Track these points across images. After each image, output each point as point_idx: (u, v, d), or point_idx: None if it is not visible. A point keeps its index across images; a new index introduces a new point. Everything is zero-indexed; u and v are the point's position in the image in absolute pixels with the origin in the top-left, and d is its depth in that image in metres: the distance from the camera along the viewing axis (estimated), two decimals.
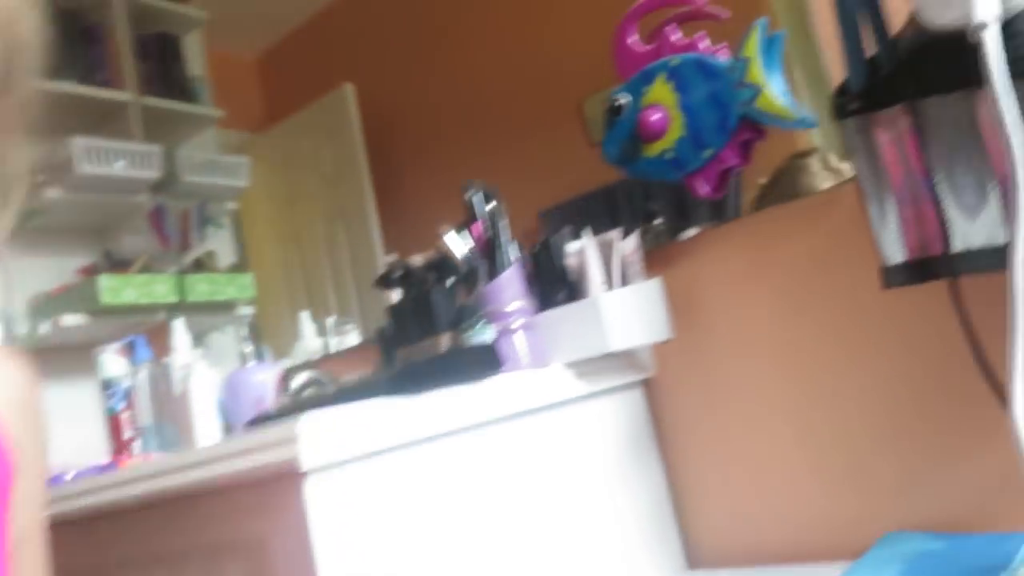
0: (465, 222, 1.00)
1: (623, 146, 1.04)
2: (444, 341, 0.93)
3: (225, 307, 1.82)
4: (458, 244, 0.98)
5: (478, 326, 0.92)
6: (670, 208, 1.08)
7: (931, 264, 0.78)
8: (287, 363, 1.63)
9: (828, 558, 0.97)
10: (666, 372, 1.11)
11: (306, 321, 1.71)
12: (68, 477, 1.26)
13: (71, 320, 1.68)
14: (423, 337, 0.94)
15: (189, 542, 0.78)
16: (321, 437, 0.67)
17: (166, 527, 0.79)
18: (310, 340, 1.71)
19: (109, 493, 0.83)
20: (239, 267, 1.82)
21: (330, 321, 1.65)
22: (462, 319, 0.93)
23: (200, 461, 0.74)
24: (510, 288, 0.94)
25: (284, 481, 0.67)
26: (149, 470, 0.79)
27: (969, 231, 0.72)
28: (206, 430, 1.42)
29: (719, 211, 1.04)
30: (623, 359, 1.04)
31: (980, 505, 0.86)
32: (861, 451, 0.96)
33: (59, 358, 1.79)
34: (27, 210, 1.73)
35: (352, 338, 1.60)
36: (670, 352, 1.09)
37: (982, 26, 0.62)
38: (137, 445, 1.45)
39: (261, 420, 0.86)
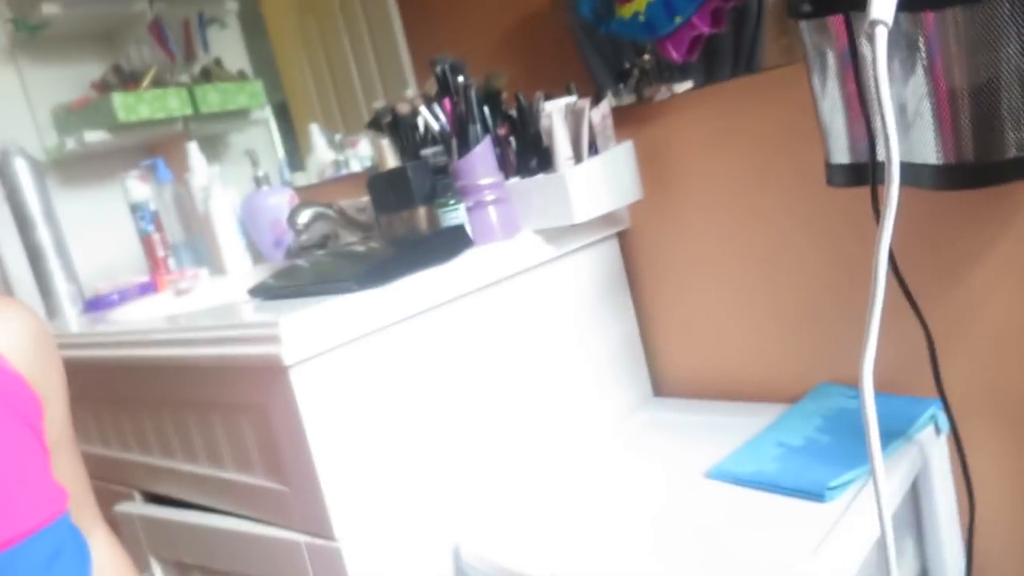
0: (436, 95, 1.02)
1: (596, 5, 1.02)
2: (420, 215, 1.00)
3: (239, 115, 1.87)
4: (430, 118, 1.01)
5: (451, 203, 0.98)
6: (647, 67, 1.08)
7: (863, 170, 0.81)
8: (297, 184, 1.72)
9: (769, 399, 1.09)
10: (639, 224, 1.17)
11: (317, 134, 1.75)
12: (115, 298, 1.42)
13: (94, 136, 1.76)
14: (401, 207, 1.02)
15: (212, 398, 0.92)
16: (299, 335, 0.78)
17: (193, 382, 0.93)
18: (322, 152, 1.77)
19: (139, 350, 0.97)
20: (256, 68, 1.81)
21: (338, 137, 1.69)
22: (436, 194, 0.99)
23: (196, 340, 0.87)
24: (482, 163, 0.99)
25: (272, 368, 0.79)
26: (161, 337, 0.92)
27: (899, 145, 0.74)
28: (230, 248, 1.54)
29: (691, 75, 1.04)
30: (597, 218, 1.11)
31: (900, 371, 0.96)
32: (807, 310, 1.04)
33: (89, 169, 1.90)
34: (30, 24, 1.75)
35: (364, 147, 1.64)
36: (644, 206, 1.15)
37: None
38: (172, 262, 1.59)
39: (259, 291, 0.97)
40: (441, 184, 1.00)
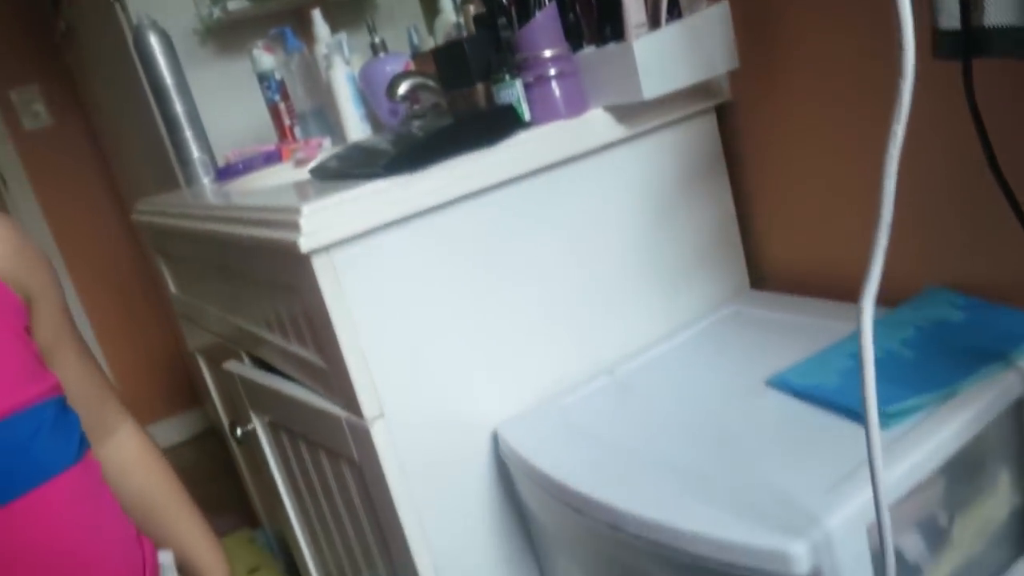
0: None
1: None
2: (478, 92, 0.95)
3: None
4: None
5: (505, 78, 0.91)
6: None
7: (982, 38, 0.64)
8: (413, 52, 1.68)
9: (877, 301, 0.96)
10: (743, 97, 1.04)
11: None
12: (240, 167, 1.50)
13: (235, 4, 1.81)
14: (461, 84, 0.96)
15: (263, 275, 0.96)
16: (318, 222, 0.78)
17: (252, 259, 0.97)
18: (448, 15, 1.71)
19: (198, 223, 1.02)
20: None
21: None
22: (493, 69, 0.93)
23: (234, 219, 0.90)
24: (543, 33, 0.90)
25: (296, 253, 0.80)
26: (212, 214, 0.96)
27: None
28: (350, 117, 1.56)
29: None
30: (689, 89, 0.99)
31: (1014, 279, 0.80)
32: (922, 207, 0.89)
33: (234, 36, 1.97)
34: None
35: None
36: (748, 77, 1.00)
37: None
38: (298, 131, 1.65)
39: (318, 172, 0.98)
40: (500, 59, 0.93)
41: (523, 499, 0.90)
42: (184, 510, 0.85)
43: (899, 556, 0.72)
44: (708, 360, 0.94)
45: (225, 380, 1.29)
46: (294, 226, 0.78)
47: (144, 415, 3.10)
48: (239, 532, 1.72)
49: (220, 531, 1.69)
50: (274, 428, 1.18)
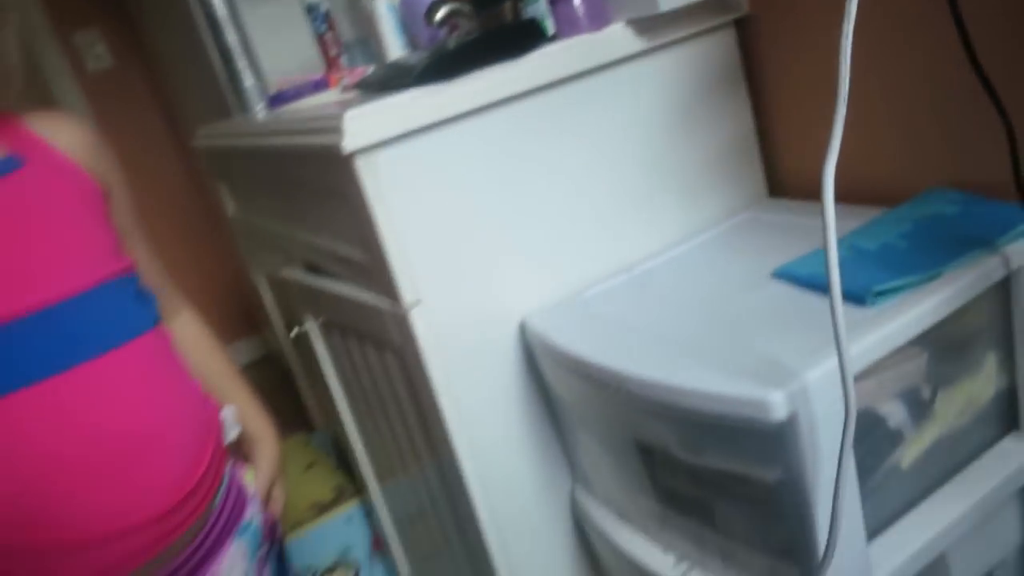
0: None
1: None
2: (505, 9, 1.01)
3: None
4: None
5: None
6: None
7: None
8: None
9: (894, 202, 1.01)
10: (761, 10, 1.08)
11: None
12: (291, 93, 1.60)
13: None
14: (490, 4, 1.03)
15: (313, 181, 1.05)
16: (359, 128, 0.87)
17: (298, 168, 1.07)
18: None
19: (256, 140, 1.12)
20: None
21: None
22: None
23: (286, 131, 0.99)
24: None
25: (340, 157, 0.89)
26: (262, 129, 1.06)
27: None
28: (390, 44, 1.64)
29: None
30: (707, 3, 1.05)
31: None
32: (941, 106, 0.94)
33: None
34: None
35: None
36: None
37: None
38: (344, 60, 1.73)
39: (362, 84, 1.06)
40: None
41: (547, 380, 1.00)
42: (237, 384, 0.96)
43: (881, 421, 0.80)
44: (721, 258, 1.02)
45: (281, 287, 1.40)
46: (337, 131, 0.87)
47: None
48: (296, 436, 1.86)
49: (280, 434, 1.82)
50: (326, 328, 1.30)
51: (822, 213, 0.61)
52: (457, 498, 1.08)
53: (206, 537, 0.79)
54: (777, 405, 0.67)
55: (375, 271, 0.98)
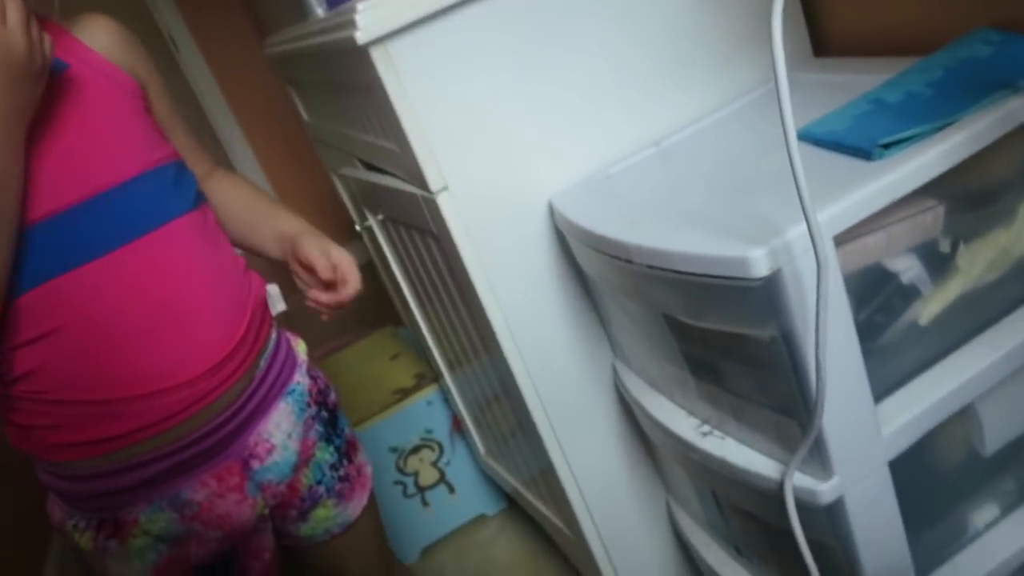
0: None
1: None
2: None
3: None
4: None
5: None
6: None
7: None
8: None
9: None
10: None
11: None
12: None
13: None
14: None
15: (347, 77, 1.09)
16: (372, 17, 0.90)
17: (333, 67, 1.11)
18: None
19: (300, 43, 1.17)
20: None
21: None
22: None
23: (317, 31, 1.03)
24: None
25: (357, 50, 0.92)
26: (305, 31, 1.10)
27: None
28: None
29: None
30: None
31: None
32: None
33: None
34: None
35: None
36: None
37: None
38: None
39: None
40: None
41: (575, 256, 1.03)
42: (279, 209, 1.02)
43: (892, 277, 0.79)
44: (751, 125, 0.99)
45: (348, 186, 1.48)
46: (351, 24, 0.91)
47: None
48: (384, 329, 1.98)
49: (372, 326, 1.95)
50: (385, 224, 1.36)
51: (771, 49, 0.59)
52: (505, 379, 1.14)
53: (253, 393, 0.90)
54: (758, 262, 0.67)
55: (406, 160, 1.02)
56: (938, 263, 0.80)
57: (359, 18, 0.90)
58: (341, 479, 1.02)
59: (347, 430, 1.07)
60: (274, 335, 0.96)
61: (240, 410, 0.88)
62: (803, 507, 0.79)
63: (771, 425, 0.80)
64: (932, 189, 0.74)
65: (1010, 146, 0.78)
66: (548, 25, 0.98)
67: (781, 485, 0.79)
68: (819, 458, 0.76)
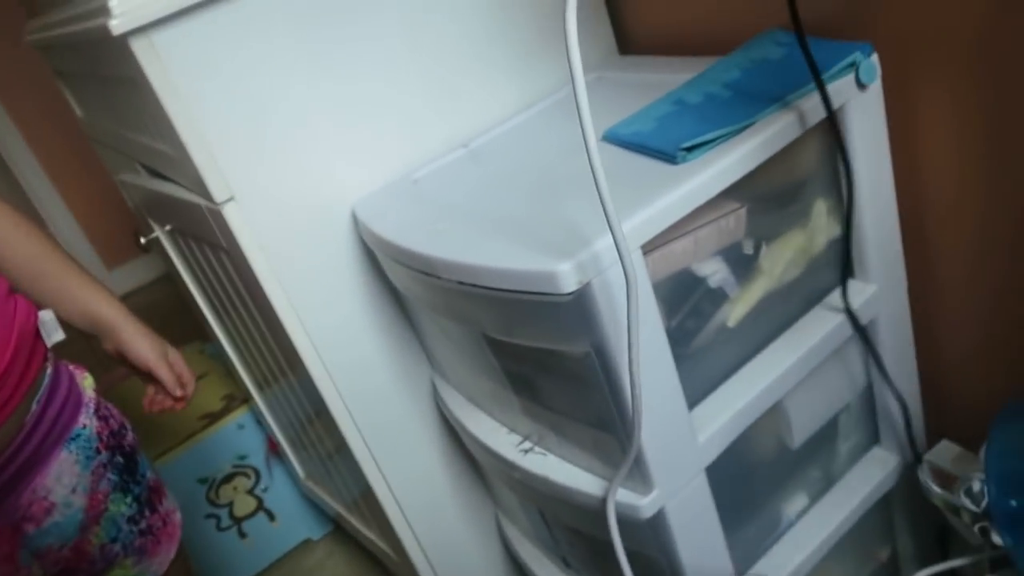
0: None
1: None
2: None
3: None
4: None
5: None
6: None
7: None
8: None
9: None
10: None
11: None
12: None
13: None
14: None
15: (110, 70, 0.95)
16: (132, 2, 0.78)
17: (92, 59, 0.97)
18: None
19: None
20: None
21: None
22: None
23: (70, 18, 0.89)
24: None
25: (114, 40, 0.80)
26: (60, 18, 0.95)
27: None
28: None
29: None
30: None
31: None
32: None
33: None
34: None
35: None
36: None
37: None
38: None
39: None
40: None
41: (384, 268, 0.96)
42: (72, 271, 0.88)
43: (701, 282, 0.78)
44: (559, 125, 0.96)
45: (128, 192, 1.32)
46: (105, 11, 0.78)
47: (110, 257, 3.18)
48: (192, 344, 1.81)
49: (175, 343, 1.77)
50: (174, 235, 1.22)
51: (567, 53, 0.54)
52: (315, 400, 1.05)
53: (24, 443, 0.76)
54: (566, 276, 0.63)
55: (185, 166, 0.90)
56: (743, 265, 0.80)
57: (114, 5, 0.78)
58: (142, 533, 0.89)
59: (149, 474, 0.93)
60: (50, 370, 0.81)
61: (8, 464, 0.74)
62: (625, 522, 0.76)
63: (591, 441, 0.77)
64: (734, 192, 0.74)
65: (803, 147, 0.79)
66: (342, 14, 0.90)
67: (603, 502, 0.76)
68: (639, 473, 0.74)
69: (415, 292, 0.87)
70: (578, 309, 0.65)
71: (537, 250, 0.67)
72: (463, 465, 1.17)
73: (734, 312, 0.80)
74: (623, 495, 0.76)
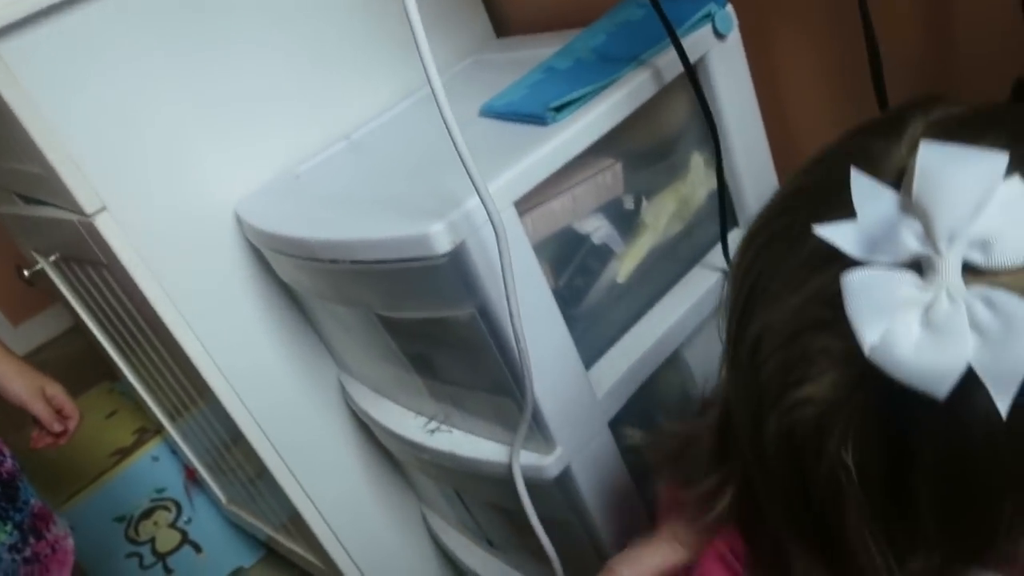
0: None
1: None
2: None
3: None
4: None
5: None
6: None
7: None
8: None
9: None
10: None
11: None
12: None
13: None
14: None
15: None
16: None
17: None
18: None
19: None
20: None
21: None
22: None
23: None
24: None
25: None
26: None
27: None
28: None
29: None
30: None
31: None
32: None
33: None
34: None
35: None
36: None
37: None
38: None
39: None
40: None
41: (278, 274, 0.94)
42: None
43: (584, 239, 0.78)
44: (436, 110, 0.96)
45: (8, 225, 1.26)
46: None
47: (14, 313, 3.04)
48: (101, 385, 1.75)
49: (84, 386, 1.70)
50: (59, 265, 1.18)
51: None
52: (223, 418, 1.02)
53: None
54: (438, 237, 0.63)
55: (53, 182, 0.87)
56: (626, 221, 0.81)
57: None
58: (27, 561, 0.85)
59: (33, 500, 0.89)
60: None
61: None
62: (534, 485, 0.76)
63: (491, 409, 0.77)
64: (607, 148, 0.75)
65: (672, 100, 0.81)
66: (209, 12, 0.88)
67: (509, 467, 0.76)
68: (540, 433, 0.74)
69: (303, 284, 0.85)
70: (456, 270, 0.65)
71: (411, 218, 0.67)
72: (384, 464, 1.15)
73: (623, 267, 0.81)
74: (527, 457, 0.75)
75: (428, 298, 0.70)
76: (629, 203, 0.81)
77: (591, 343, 0.79)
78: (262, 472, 1.07)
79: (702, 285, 0.86)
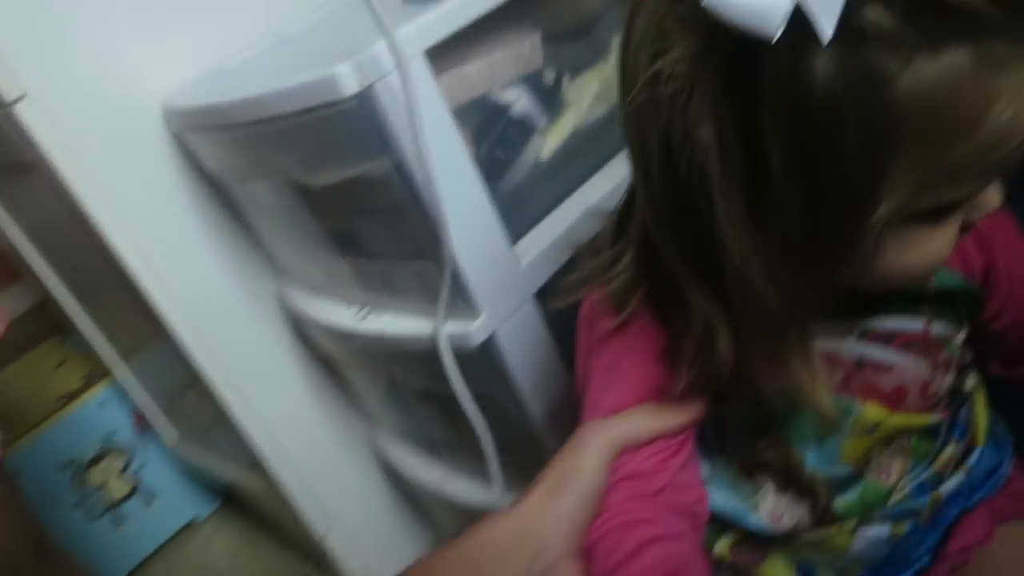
0: None
1: None
2: None
3: None
4: None
5: None
6: None
7: None
8: None
9: None
10: None
11: None
12: None
13: None
14: None
15: None
16: None
17: None
18: None
19: None
20: None
21: None
22: None
23: None
24: None
25: None
26: None
27: None
28: None
29: None
30: None
31: None
32: None
33: None
34: None
35: None
36: None
37: None
38: None
39: None
40: None
41: (205, 165, 0.93)
42: None
43: (504, 109, 0.78)
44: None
45: None
46: None
47: None
48: (50, 340, 1.72)
49: (34, 341, 1.66)
50: None
51: None
52: (166, 339, 1.01)
53: None
54: (345, 77, 0.63)
55: None
56: (548, 97, 0.81)
57: None
58: None
59: None
60: None
61: None
62: (461, 356, 0.76)
63: (415, 278, 0.77)
64: (525, 17, 0.75)
65: None
66: None
67: (435, 339, 0.75)
68: (463, 299, 0.74)
69: (226, 166, 0.85)
70: (366, 115, 0.65)
71: (319, 67, 0.66)
72: (330, 392, 1.15)
73: (546, 144, 0.81)
74: (452, 327, 0.75)
75: (343, 153, 0.70)
76: (550, 78, 0.81)
77: (518, 219, 0.79)
78: (204, 392, 1.05)
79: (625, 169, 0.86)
